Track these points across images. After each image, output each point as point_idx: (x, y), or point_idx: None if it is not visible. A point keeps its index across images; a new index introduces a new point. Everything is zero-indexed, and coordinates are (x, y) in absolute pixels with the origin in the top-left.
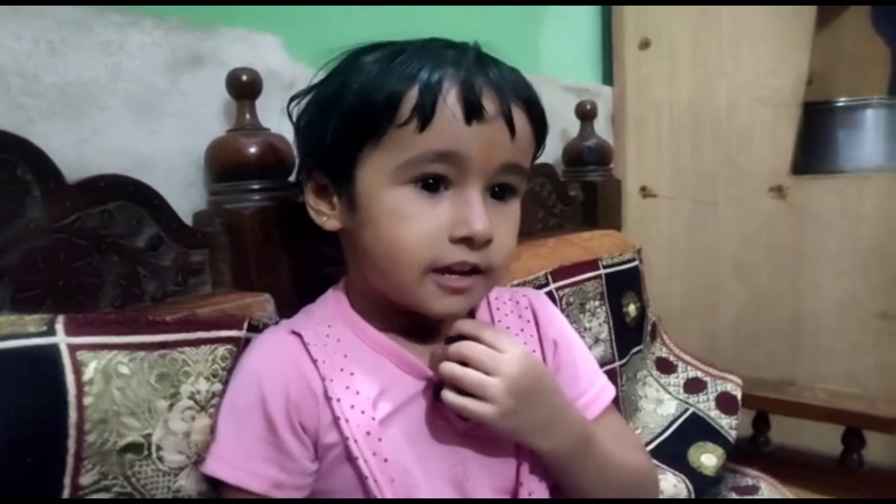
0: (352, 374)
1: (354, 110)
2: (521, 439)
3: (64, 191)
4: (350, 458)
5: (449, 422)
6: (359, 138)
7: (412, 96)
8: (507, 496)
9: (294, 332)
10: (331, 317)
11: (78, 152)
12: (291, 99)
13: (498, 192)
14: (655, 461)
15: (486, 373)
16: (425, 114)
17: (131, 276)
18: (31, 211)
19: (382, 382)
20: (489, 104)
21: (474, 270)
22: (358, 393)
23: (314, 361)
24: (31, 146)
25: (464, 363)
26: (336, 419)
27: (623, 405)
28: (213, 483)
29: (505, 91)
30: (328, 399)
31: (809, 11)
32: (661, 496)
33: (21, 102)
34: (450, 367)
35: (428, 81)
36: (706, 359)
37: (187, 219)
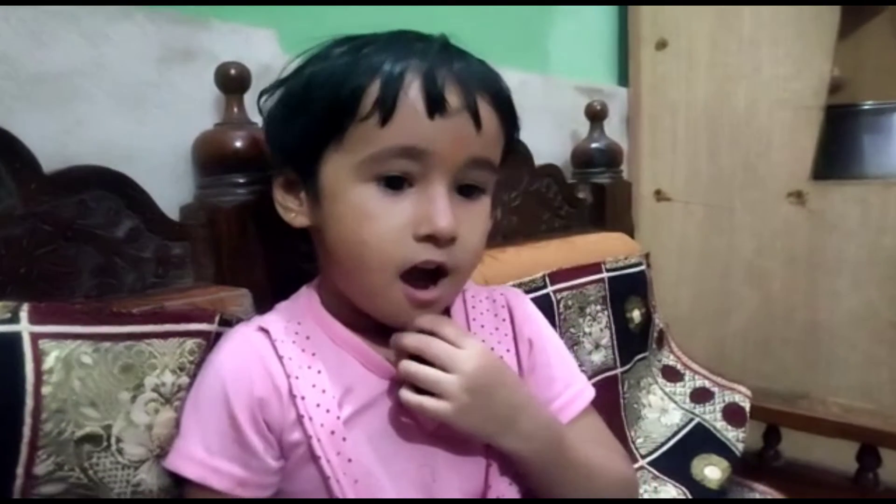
0: (319, 372)
1: (319, 106)
2: (483, 437)
3: (38, 179)
4: (314, 458)
5: (416, 421)
6: (323, 134)
7: (374, 90)
8: (477, 497)
9: (262, 329)
10: (301, 314)
11: (61, 143)
12: (262, 93)
13: (465, 189)
14: (656, 472)
15: (444, 369)
16: (386, 108)
17: (109, 267)
18: (4, 199)
19: (349, 381)
20: (452, 97)
21: (440, 271)
22: (324, 391)
23: (280, 358)
24: (3, 133)
25: (423, 360)
26: (300, 417)
27: (625, 413)
28: (177, 478)
29: (469, 83)
30: (293, 397)
31: (832, 12)
32: None
33: (1, 91)
34: (406, 365)
35: (390, 74)
36: (715, 368)
37: (175, 212)
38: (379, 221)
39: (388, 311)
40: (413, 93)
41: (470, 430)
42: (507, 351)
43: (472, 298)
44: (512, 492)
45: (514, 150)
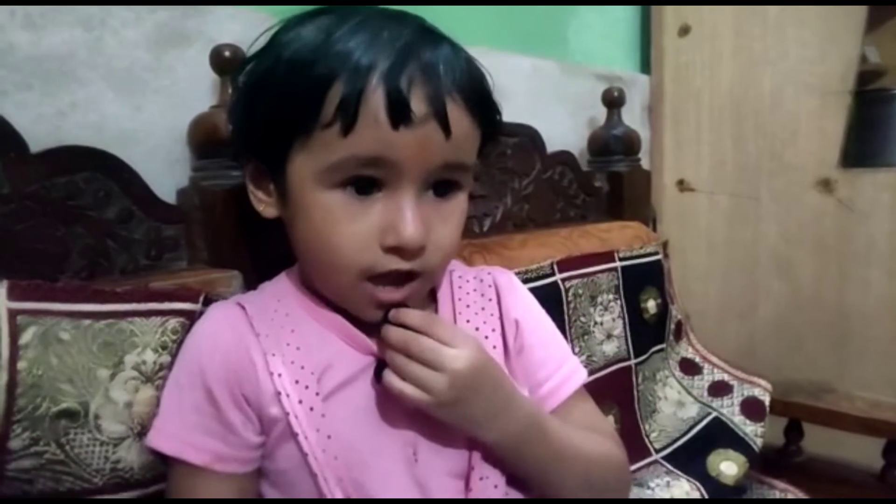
0: (298, 348)
1: (282, 100)
2: (461, 429)
3: (26, 160)
4: (293, 435)
5: (397, 398)
6: (287, 133)
7: (336, 93)
8: (460, 479)
9: (239, 305)
10: (282, 292)
11: (55, 126)
12: (237, 70)
13: (440, 186)
14: (670, 467)
15: (430, 366)
16: (348, 118)
17: (99, 248)
18: None
19: (329, 357)
20: (418, 104)
21: (409, 275)
22: (302, 368)
23: (257, 335)
24: None
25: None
26: (278, 394)
27: (639, 406)
28: (160, 457)
29: (439, 85)
30: (270, 374)
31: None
32: None
33: None
34: (393, 357)
35: (354, 74)
36: (735, 361)
37: (171, 195)
38: (345, 228)
39: (354, 309)
40: (376, 101)
41: (449, 422)
42: (493, 331)
43: (458, 279)
44: (496, 474)
45: (495, 137)
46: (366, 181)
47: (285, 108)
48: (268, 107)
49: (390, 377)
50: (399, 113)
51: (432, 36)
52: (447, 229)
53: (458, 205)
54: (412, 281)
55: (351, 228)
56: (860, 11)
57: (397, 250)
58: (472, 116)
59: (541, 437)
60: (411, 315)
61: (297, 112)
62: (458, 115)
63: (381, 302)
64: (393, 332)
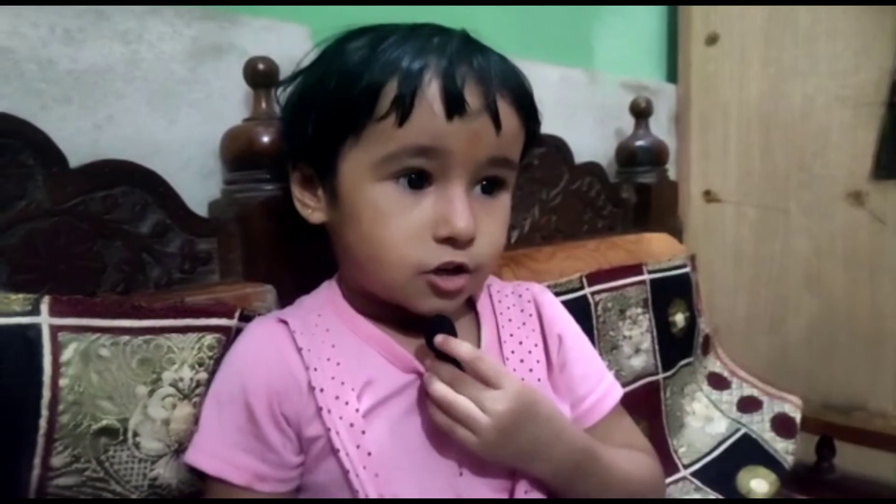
0: (338, 364)
1: (334, 102)
2: (509, 466)
3: (67, 174)
4: (333, 451)
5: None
6: (339, 131)
7: (391, 89)
8: (504, 492)
9: (281, 321)
10: (321, 306)
11: (92, 139)
12: (278, 84)
13: (486, 185)
14: (699, 483)
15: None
16: (404, 108)
17: (135, 262)
18: (32, 194)
19: (370, 373)
20: (472, 98)
21: (461, 269)
22: (343, 383)
23: (299, 350)
24: (33, 130)
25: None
26: (319, 409)
27: (667, 420)
28: (197, 473)
29: (490, 82)
30: (312, 389)
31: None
32: None
33: (36, 88)
34: (441, 392)
35: (408, 72)
36: (764, 376)
37: (203, 207)
38: (398, 221)
39: (409, 302)
40: (432, 93)
41: (495, 461)
42: (536, 346)
43: (497, 293)
44: (540, 487)
45: (535, 144)
46: (417, 174)
47: (339, 105)
48: (320, 110)
49: (439, 416)
50: (455, 104)
51: (479, 45)
52: (494, 225)
53: (504, 203)
54: (466, 274)
55: (403, 221)
56: (893, 21)
57: (450, 241)
58: (519, 115)
59: (591, 469)
60: (458, 346)
61: (350, 110)
62: (508, 112)
63: (441, 289)
64: (443, 370)
